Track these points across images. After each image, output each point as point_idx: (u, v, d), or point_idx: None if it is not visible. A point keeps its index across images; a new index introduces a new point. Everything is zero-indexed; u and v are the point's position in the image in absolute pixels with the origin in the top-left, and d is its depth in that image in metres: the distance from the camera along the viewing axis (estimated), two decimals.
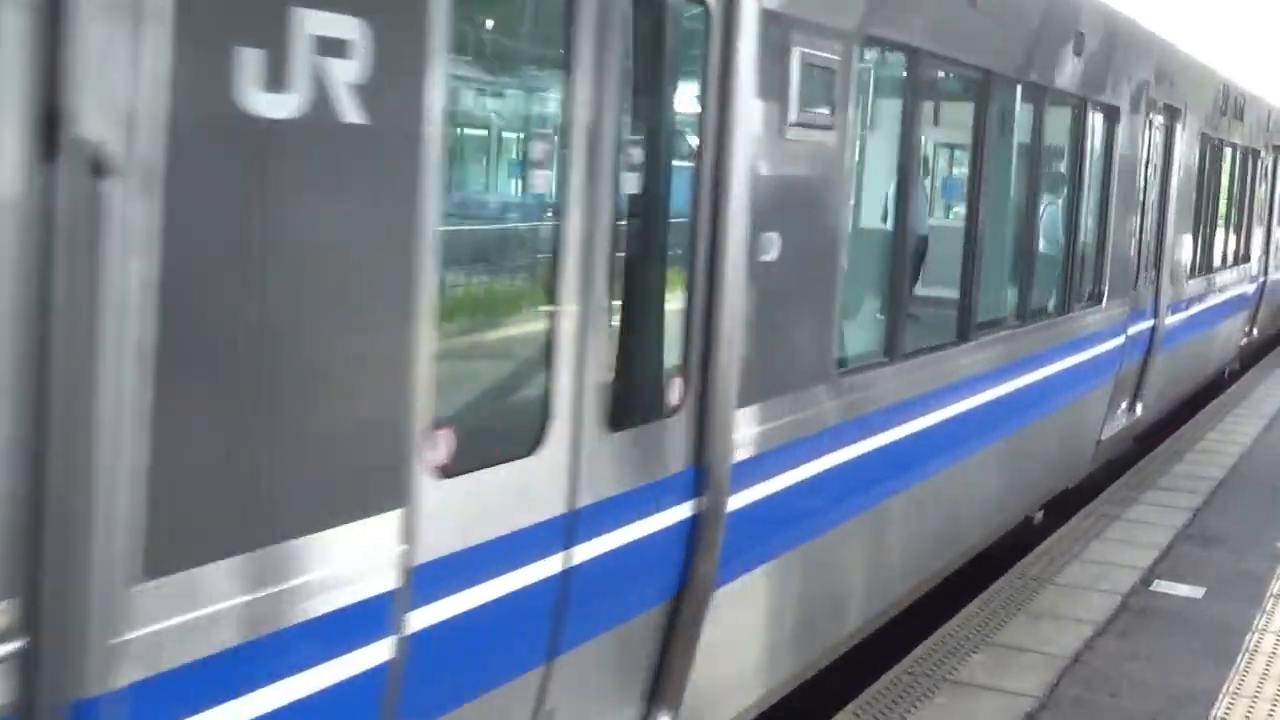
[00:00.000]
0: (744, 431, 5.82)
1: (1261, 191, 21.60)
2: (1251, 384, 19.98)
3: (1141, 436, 14.55)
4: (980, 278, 8.87)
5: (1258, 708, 7.52)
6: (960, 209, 9.05)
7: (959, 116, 9.32)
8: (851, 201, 7.26)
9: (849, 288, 7.19)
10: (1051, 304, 10.82)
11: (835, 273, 6.74)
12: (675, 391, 5.41)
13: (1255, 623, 8.93)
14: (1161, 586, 9.71)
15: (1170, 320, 14.52)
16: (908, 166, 7.82)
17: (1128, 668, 8.10)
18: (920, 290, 9.01)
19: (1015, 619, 8.81)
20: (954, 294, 8.85)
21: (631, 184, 5.19)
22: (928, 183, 10.81)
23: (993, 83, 8.81)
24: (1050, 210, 11.00)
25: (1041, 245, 10.31)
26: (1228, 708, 7.51)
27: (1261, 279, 21.75)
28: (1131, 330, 12.84)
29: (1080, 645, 8.37)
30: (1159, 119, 13.63)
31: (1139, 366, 13.57)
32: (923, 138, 8.14)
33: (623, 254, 5.12)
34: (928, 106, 8.59)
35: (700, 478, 5.52)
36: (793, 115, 6.00)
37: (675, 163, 5.52)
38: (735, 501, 5.69)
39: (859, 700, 7.33)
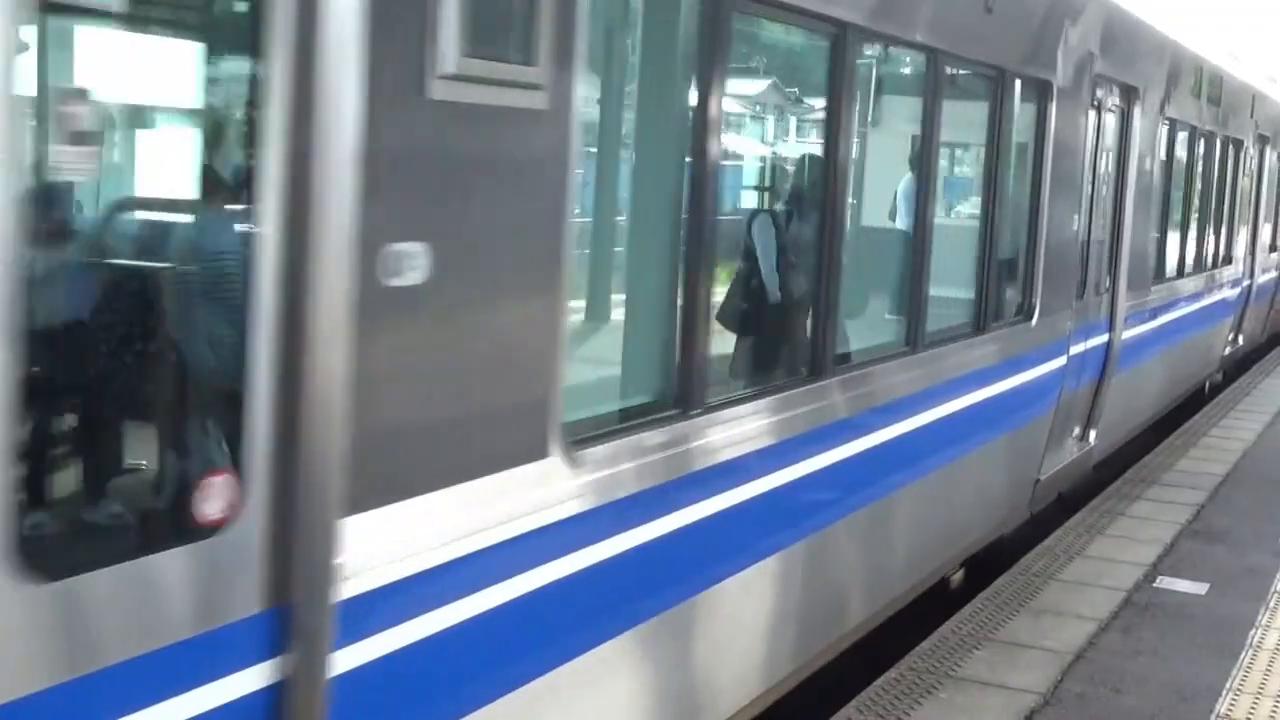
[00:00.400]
0: (367, 550, 3.85)
1: (1246, 186, 19.43)
2: (1255, 380, 19.96)
3: (1102, 465, 12.89)
4: (841, 297, 6.85)
5: (1261, 704, 7.50)
6: (816, 211, 6.93)
7: (807, 81, 7.18)
8: (583, 193, 5.10)
9: (614, 314, 5.52)
10: (956, 324, 8.77)
11: (556, 294, 4.61)
12: (216, 498, 3.53)
13: (1259, 619, 8.91)
14: (1165, 583, 9.70)
15: (1130, 334, 12.58)
16: (703, 148, 5.52)
17: (1131, 664, 8.09)
18: (756, 313, 6.83)
19: (1018, 615, 8.80)
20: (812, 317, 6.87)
21: (55, 164, 3.44)
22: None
23: (852, 41, 6.61)
24: (958, 210, 9.30)
25: (940, 254, 8.25)
26: (1231, 704, 7.50)
27: (1247, 282, 19.98)
28: (1077, 348, 10.91)
29: (1083, 641, 8.35)
30: (1111, 99, 11.51)
31: (1091, 389, 11.73)
32: (738, 109, 6.30)
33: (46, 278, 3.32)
34: (755, 65, 6.59)
35: (285, 625, 3.63)
36: (448, 64, 3.93)
37: (199, 137, 3.84)
38: (348, 658, 3.82)
39: (862, 696, 7.32)
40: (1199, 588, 9.60)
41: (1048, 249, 9.84)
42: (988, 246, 9.01)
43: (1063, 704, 7.46)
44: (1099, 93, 10.98)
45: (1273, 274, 22.86)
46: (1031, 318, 9.77)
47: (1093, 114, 10.92)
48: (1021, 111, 9.53)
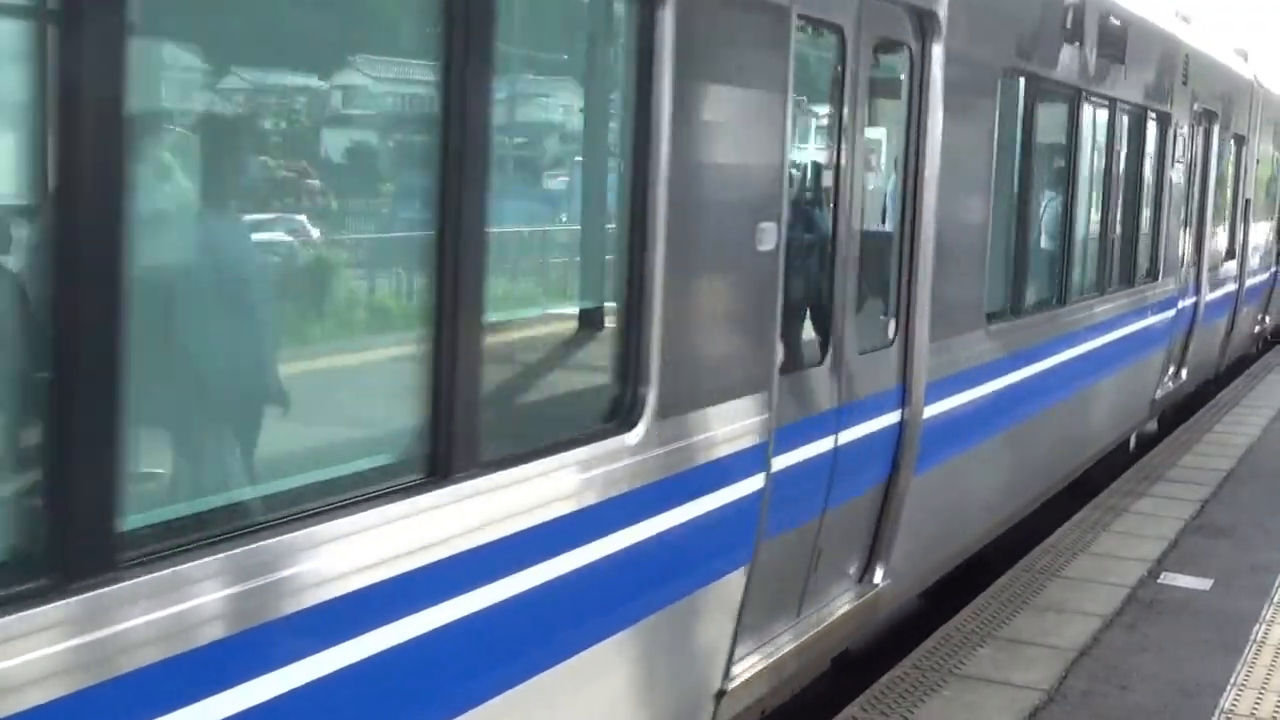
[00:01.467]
0: None
1: (1179, 179, 14.09)
2: (1259, 376, 19.94)
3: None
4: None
5: (1265, 699, 7.51)
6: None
7: None
8: None
9: None
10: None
11: None
12: None
13: (1263, 614, 8.92)
14: (1169, 579, 9.71)
15: (946, 405, 8.01)
16: None
17: (1136, 660, 8.10)
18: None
19: (1023, 612, 8.81)
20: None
21: None
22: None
23: None
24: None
25: (334, 310, 4.50)
26: (1235, 699, 7.51)
27: (1191, 301, 15.15)
28: (799, 454, 6.46)
29: (1088, 638, 8.36)
30: (863, 30, 6.80)
31: (873, 500, 7.48)
32: None
33: None
34: None
35: None
36: None
37: None
38: None
39: (866, 694, 7.33)
40: (1203, 583, 9.61)
41: (681, 289, 5.35)
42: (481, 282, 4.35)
43: (1067, 701, 7.47)
44: (832, 15, 6.57)
45: (1230, 287, 18.02)
46: (634, 424, 5.13)
47: (813, 51, 6.70)
48: (602, 29, 5.41)
